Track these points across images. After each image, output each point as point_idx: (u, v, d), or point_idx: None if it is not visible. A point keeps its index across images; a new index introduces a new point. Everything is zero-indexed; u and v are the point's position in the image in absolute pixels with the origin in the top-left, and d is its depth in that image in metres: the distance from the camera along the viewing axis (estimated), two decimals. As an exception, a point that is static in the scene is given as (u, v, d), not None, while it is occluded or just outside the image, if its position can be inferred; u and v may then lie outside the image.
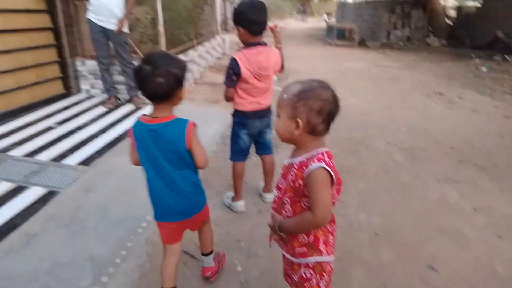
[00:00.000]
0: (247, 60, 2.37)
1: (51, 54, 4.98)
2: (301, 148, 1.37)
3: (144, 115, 1.62)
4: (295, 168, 1.35)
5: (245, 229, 2.53)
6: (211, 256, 2.05)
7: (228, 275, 2.10)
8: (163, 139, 1.58)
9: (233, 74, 2.40)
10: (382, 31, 13.28)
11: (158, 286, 1.98)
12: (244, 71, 2.37)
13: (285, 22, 27.85)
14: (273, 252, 2.24)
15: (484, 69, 8.54)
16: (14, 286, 1.95)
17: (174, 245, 1.82)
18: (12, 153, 3.43)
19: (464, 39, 12.32)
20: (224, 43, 9.80)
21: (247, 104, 2.52)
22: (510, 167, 3.51)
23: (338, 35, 13.75)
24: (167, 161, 1.63)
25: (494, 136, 4.35)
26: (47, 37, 4.89)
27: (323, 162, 1.26)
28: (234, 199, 2.78)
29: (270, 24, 2.56)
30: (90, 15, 4.53)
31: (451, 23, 14.09)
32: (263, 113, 2.61)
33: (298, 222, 1.37)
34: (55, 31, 4.95)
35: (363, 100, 5.87)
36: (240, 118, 2.59)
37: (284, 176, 1.44)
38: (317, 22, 29.52)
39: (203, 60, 7.37)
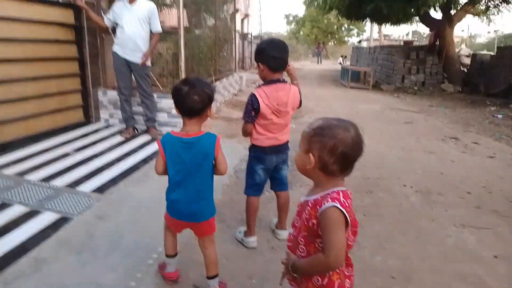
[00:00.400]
0: (266, 96, 2.41)
1: (74, 83, 5.15)
2: (317, 185, 1.36)
3: (174, 131, 1.91)
4: (309, 206, 1.33)
5: (257, 266, 2.47)
6: (217, 279, 2.11)
7: (238, 313, 2.03)
8: (198, 150, 1.86)
9: (252, 109, 2.43)
10: (396, 75, 13.44)
11: (166, 320, 1.93)
12: (263, 107, 2.40)
13: (301, 64, 28.49)
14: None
15: (499, 116, 8.51)
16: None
17: (174, 231, 2.17)
18: (29, 177, 3.48)
19: (479, 86, 12.36)
20: (241, 80, 10.03)
21: (265, 139, 2.53)
22: (531, 215, 3.40)
23: (352, 78, 13.95)
24: (198, 169, 1.90)
25: (512, 183, 4.26)
26: (73, 67, 5.09)
27: (337, 202, 1.23)
28: (246, 234, 2.73)
29: None
30: (115, 48, 4.72)
31: (465, 70, 14.21)
32: (281, 149, 2.62)
33: (311, 263, 1.33)
34: (81, 61, 5.14)
35: (378, 142, 5.86)
36: (257, 153, 2.59)
37: (299, 214, 1.42)
38: (332, 65, 30.12)
39: (220, 96, 7.52)
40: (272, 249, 2.68)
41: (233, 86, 9.04)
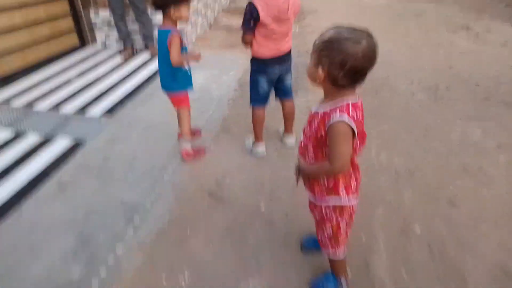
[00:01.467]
0: (265, 3, 2.27)
1: (63, 6, 4.90)
2: (327, 97, 1.36)
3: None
4: (318, 118, 1.35)
5: (267, 173, 2.59)
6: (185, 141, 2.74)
7: (252, 217, 2.19)
8: (159, 40, 2.42)
9: (250, 18, 2.31)
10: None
11: (188, 226, 2.11)
12: (262, 15, 2.28)
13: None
14: (295, 195, 2.31)
15: (516, -2, 7.97)
16: (56, 231, 2.09)
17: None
18: (37, 107, 3.52)
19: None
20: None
21: (267, 51, 2.45)
22: (539, 103, 3.39)
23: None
24: (160, 53, 2.49)
25: (524, 72, 4.16)
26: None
27: (345, 114, 1.24)
28: (255, 144, 2.81)
29: None
30: None
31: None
32: (283, 59, 2.55)
33: (318, 169, 1.41)
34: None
35: (385, 39, 5.63)
36: (259, 66, 2.54)
37: (309, 123, 1.44)
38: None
39: (216, 4, 7.12)
40: (280, 157, 2.78)
41: (229, -9, 8.49)
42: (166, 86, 2.61)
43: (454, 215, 2.15)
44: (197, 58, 2.50)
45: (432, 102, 3.52)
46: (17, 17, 4.25)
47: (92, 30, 5.26)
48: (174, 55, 2.36)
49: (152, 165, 2.70)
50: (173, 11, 2.32)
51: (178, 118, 2.75)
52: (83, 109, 3.50)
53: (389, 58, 4.78)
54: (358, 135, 1.30)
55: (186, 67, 2.57)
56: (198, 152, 2.81)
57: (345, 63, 1.21)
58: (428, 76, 4.15)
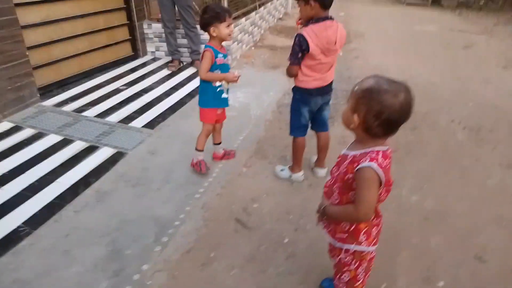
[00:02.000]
0: (315, 35, 2.33)
1: (121, 17, 5.22)
2: (359, 141, 1.41)
3: None
4: (348, 160, 1.39)
5: (295, 202, 2.63)
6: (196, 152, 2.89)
7: (275, 246, 2.24)
8: None
9: (299, 51, 2.37)
10: (461, -12, 12.05)
11: (212, 249, 2.19)
12: (312, 47, 2.34)
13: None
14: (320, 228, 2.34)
15: None
16: (90, 238, 2.24)
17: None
18: (86, 113, 3.76)
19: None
20: (286, 2, 9.53)
21: (312, 81, 2.51)
22: None
23: (410, -8, 12.71)
24: None
25: None
26: (117, 1, 5.11)
27: (375, 162, 1.28)
28: (294, 170, 2.85)
29: None
30: None
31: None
32: (326, 90, 2.61)
33: (342, 212, 1.45)
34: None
35: (432, 70, 5.54)
36: (303, 95, 2.59)
37: (338, 164, 1.49)
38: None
39: (264, 22, 7.28)
40: (310, 187, 2.81)
41: (277, 10, 8.64)
42: (198, 100, 2.81)
43: (481, 269, 2.10)
44: (233, 79, 2.68)
45: (473, 143, 3.43)
46: (79, 25, 4.57)
47: (144, 41, 5.55)
48: (201, 69, 2.60)
49: (187, 180, 2.82)
50: (212, 29, 2.54)
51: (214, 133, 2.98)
52: (127, 119, 3.70)
53: (433, 91, 4.69)
54: (385, 184, 1.33)
55: (219, 84, 2.69)
56: (204, 165, 2.88)
57: (382, 114, 1.26)
58: (471, 113, 4.04)
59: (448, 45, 7.07)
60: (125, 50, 5.41)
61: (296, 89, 2.62)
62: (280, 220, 2.46)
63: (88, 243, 2.20)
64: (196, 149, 2.87)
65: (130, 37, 5.41)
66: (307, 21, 2.40)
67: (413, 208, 2.59)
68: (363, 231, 1.45)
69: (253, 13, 6.47)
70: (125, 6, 5.19)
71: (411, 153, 3.25)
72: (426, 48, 6.82)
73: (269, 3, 7.69)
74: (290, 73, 2.53)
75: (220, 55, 2.62)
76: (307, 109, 2.64)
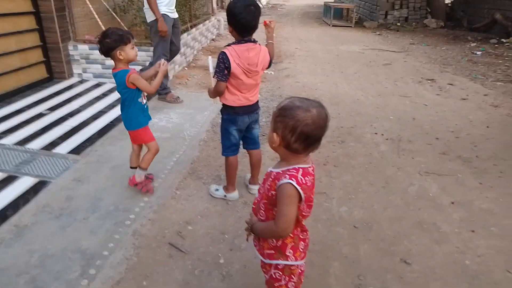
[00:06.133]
0: (237, 55, 2.39)
1: (34, 39, 4.93)
2: (283, 159, 1.45)
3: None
4: (271, 178, 1.43)
5: (231, 222, 2.62)
6: (140, 171, 2.85)
7: (210, 267, 2.20)
8: (117, 82, 2.58)
9: (224, 68, 2.41)
10: (379, 11, 13.09)
11: (144, 278, 2.09)
12: (234, 66, 2.39)
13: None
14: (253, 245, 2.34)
15: (478, 53, 8.52)
16: (5, 278, 2.04)
17: (133, 145, 2.88)
18: (3, 141, 3.48)
19: (462, 21, 12.18)
20: (219, 23, 9.68)
21: (237, 100, 2.55)
22: (492, 160, 3.59)
23: (335, 15, 13.54)
24: (121, 94, 2.65)
25: (481, 126, 4.41)
26: (30, 22, 4.85)
27: (294, 179, 1.32)
28: (229, 190, 2.84)
29: (265, 19, 2.66)
30: (164, 10, 4.39)
31: (449, 4, 13.89)
32: (252, 109, 2.66)
33: (265, 228, 1.48)
34: (37, 15, 4.88)
35: (356, 87, 5.90)
36: (229, 115, 2.62)
37: (264, 182, 1.52)
38: (316, -1, 28.96)
39: (196, 43, 7.31)
40: (245, 204, 2.82)
41: (210, 31, 8.75)
42: (128, 124, 2.74)
43: (407, 272, 2.22)
44: (165, 69, 2.65)
45: (395, 154, 3.67)
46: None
47: (69, 63, 5.30)
48: (147, 88, 2.59)
49: (116, 207, 2.70)
50: (119, 53, 2.47)
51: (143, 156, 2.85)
52: (51, 145, 3.48)
53: (357, 107, 4.99)
54: (305, 200, 1.37)
55: (143, 100, 2.70)
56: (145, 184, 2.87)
57: (296, 128, 1.32)
58: (392, 126, 4.35)
59: (370, 63, 7.60)
60: (40, 72, 5.10)
61: (223, 109, 2.66)
62: (215, 241, 2.43)
63: (4, 282, 2.00)
64: (141, 168, 2.83)
65: (45, 59, 5.12)
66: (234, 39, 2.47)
67: (343, 218, 2.69)
68: (289, 246, 1.48)
69: (185, 34, 6.47)
70: (37, 27, 4.92)
71: (340, 166, 3.41)
72: (351, 66, 7.26)
73: (201, 25, 7.76)
74: (218, 90, 2.53)
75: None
76: (235, 129, 2.67)
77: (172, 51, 4.74)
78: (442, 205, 2.87)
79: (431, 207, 2.85)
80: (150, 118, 2.80)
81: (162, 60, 2.68)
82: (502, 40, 9.70)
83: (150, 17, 4.39)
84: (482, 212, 2.81)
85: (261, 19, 2.47)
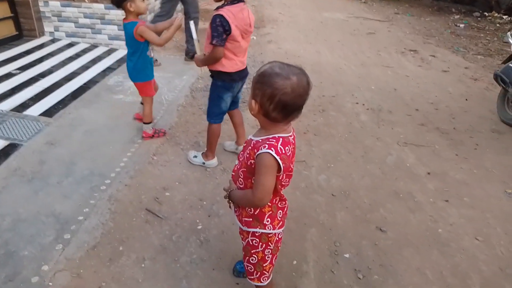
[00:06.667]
0: (234, 17, 2.27)
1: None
2: (262, 127, 1.40)
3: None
4: (251, 146, 1.38)
5: (209, 188, 2.60)
6: (149, 125, 3.05)
7: (188, 233, 2.19)
8: (125, 32, 2.70)
9: (223, 32, 2.27)
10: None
11: (120, 244, 2.07)
12: (233, 28, 2.27)
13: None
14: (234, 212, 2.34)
15: (461, 25, 8.54)
16: (-25, 242, 1.98)
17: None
18: (-30, 101, 3.30)
19: (447, -9, 12.12)
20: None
21: (234, 65, 2.45)
22: (469, 132, 3.66)
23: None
24: (127, 44, 2.78)
25: (460, 99, 4.47)
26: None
27: (273, 149, 1.28)
28: (208, 157, 2.80)
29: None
30: None
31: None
32: (245, 73, 2.61)
33: (242, 197, 1.46)
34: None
35: (339, 56, 5.83)
36: (225, 82, 2.52)
37: (244, 149, 1.47)
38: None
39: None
40: (223, 171, 2.80)
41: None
42: (134, 76, 2.86)
43: (381, 239, 2.27)
44: (180, 23, 2.69)
45: (374, 124, 3.69)
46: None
47: (40, 20, 5.00)
48: (155, 39, 2.65)
49: (91, 172, 2.63)
50: (129, 4, 2.57)
51: (144, 106, 3.02)
52: (21, 106, 3.33)
53: (339, 76, 4.95)
54: (284, 170, 1.34)
55: (150, 55, 2.83)
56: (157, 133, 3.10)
57: (274, 96, 1.25)
58: (374, 96, 4.34)
59: (354, 31, 7.50)
60: (8, 29, 4.79)
61: (218, 75, 2.52)
62: (193, 207, 2.42)
63: (-27, 247, 1.95)
64: (146, 123, 3.02)
65: (13, 15, 4.80)
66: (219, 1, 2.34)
67: (321, 187, 2.71)
68: (267, 214, 1.47)
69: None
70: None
71: (320, 135, 3.40)
72: (334, 34, 7.16)
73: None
74: (216, 57, 2.36)
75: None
76: (230, 95, 2.60)
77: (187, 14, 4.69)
78: (418, 175, 2.92)
79: (408, 177, 2.89)
80: (153, 72, 2.93)
81: (180, 14, 2.74)
82: (485, 13, 9.73)
83: None
84: (456, 182, 2.87)
85: None
